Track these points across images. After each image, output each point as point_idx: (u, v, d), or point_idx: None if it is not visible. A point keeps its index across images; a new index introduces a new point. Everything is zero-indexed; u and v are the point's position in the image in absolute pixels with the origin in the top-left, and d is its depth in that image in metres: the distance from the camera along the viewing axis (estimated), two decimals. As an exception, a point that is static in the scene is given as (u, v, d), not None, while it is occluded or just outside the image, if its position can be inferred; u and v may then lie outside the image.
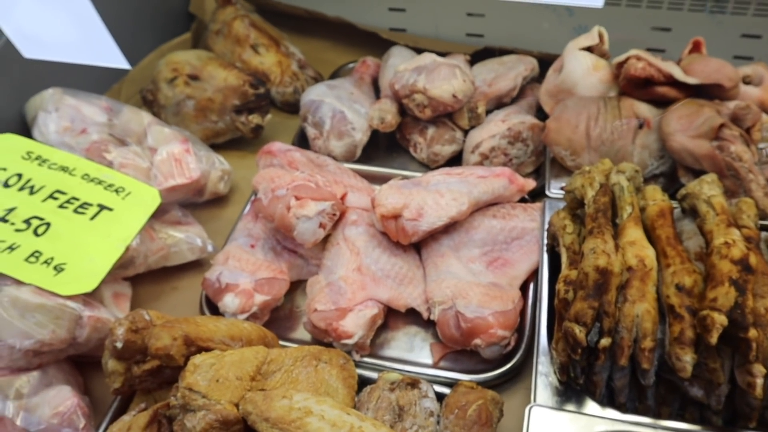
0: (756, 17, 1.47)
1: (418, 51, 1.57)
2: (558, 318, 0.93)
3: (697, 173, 1.13)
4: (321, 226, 1.10)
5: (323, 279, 1.08)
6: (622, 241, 0.94)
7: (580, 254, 0.96)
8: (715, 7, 1.49)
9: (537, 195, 1.25)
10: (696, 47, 1.27)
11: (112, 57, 1.03)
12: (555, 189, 1.21)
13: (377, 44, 1.65)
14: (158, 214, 1.19)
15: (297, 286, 1.17)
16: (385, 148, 1.46)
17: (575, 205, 1.05)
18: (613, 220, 0.99)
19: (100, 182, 1.15)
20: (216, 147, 1.43)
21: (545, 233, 1.10)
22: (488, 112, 1.39)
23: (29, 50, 1.08)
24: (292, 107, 1.58)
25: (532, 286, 1.09)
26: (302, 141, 1.46)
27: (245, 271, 1.09)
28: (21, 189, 1.13)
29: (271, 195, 1.11)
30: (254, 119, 1.42)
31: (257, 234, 1.17)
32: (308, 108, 1.41)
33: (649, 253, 0.91)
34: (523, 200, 1.22)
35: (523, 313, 1.05)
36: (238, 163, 1.41)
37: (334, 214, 1.12)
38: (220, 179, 1.31)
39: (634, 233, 0.94)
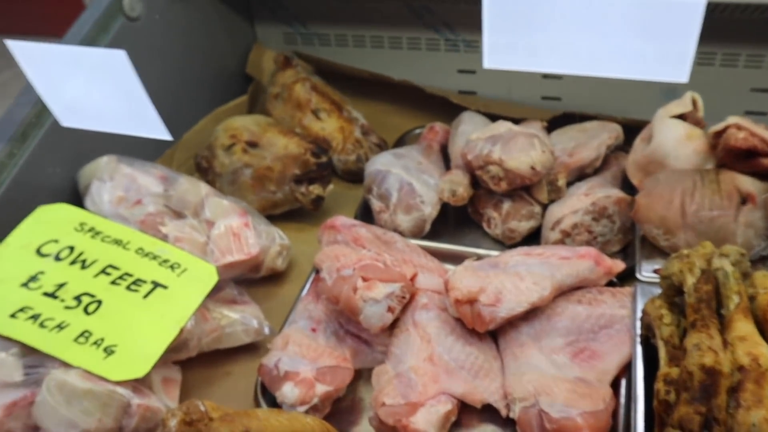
0: None
1: (490, 116, 1.60)
2: (658, 422, 0.89)
3: (812, 255, 1.10)
4: (389, 309, 1.10)
5: (391, 369, 1.07)
6: (730, 335, 0.90)
7: (681, 349, 0.93)
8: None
9: (625, 278, 1.22)
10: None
11: (154, 127, 1.07)
12: (647, 272, 1.18)
13: (446, 108, 1.68)
14: (212, 292, 1.21)
15: (360, 374, 1.16)
16: (454, 223, 1.46)
17: (672, 293, 1.02)
18: (717, 310, 0.96)
19: (154, 257, 1.18)
20: (272, 218, 1.45)
21: (638, 322, 1.07)
22: (569, 184, 1.39)
23: (67, 119, 1.13)
24: (354, 176, 1.61)
25: (624, 382, 1.06)
26: (365, 214, 1.48)
27: (306, 358, 1.09)
28: (73, 263, 1.17)
29: (336, 275, 1.12)
30: (315, 190, 1.45)
31: (318, 316, 1.18)
32: (373, 178, 1.43)
33: (764, 351, 0.87)
34: (610, 283, 1.20)
35: (615, 414, 1.01)
36: (296, 237, 1.43)
37: (404, 297, 1.12)
38: (278, 255, 1.33)
39: (744, 327, 0.91)
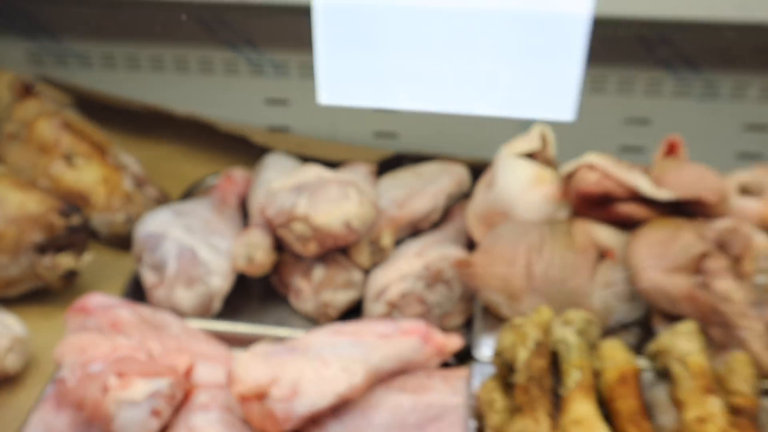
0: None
1: (308, 159, 1.72)
2: None
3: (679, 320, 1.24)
4: (154, 413, 1.16)
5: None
6: (564, 419, 1.06)
7: (509, 439, 1.07)
8: (708, 90, 1.69)
9: (466, 357, 1.35)
10: (672, 149, 1.43)
11: None
12: (487, 349, 1.32)
13: (249, 149, 1.80)
14: None
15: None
16: (258, 298, 1.56)
17: (506, 372, 1.16)
18: (557, 389, 1.11)
19: None
20: (7, 303, 1.50)
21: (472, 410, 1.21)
22: (399, 242, 1.52)
23: None
24: (123, 242, 1.67)
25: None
26: (137, 291, 1.55)
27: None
28: None
29: (81, 372, 1.17)
30: (65, 262, 1.51)
31: (60, 431, 1.22)
32: (144, 244, 1.51)
33: (600, 437, 1.02)
34: (445, 365, 1.33)
35: None
36: (40, 326, 1.47)
37: (174, 396, 1.19)
38: (9, 351, 1.36)
39: (581, 408, 1.07)
